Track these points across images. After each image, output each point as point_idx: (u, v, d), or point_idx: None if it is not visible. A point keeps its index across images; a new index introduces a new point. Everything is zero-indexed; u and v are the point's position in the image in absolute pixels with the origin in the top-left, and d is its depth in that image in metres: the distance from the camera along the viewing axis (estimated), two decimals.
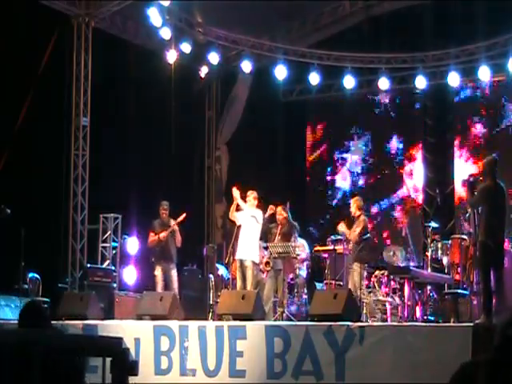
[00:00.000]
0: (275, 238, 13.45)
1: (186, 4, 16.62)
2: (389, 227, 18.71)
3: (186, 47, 16.69)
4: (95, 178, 15.61)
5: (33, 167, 14.64)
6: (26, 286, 14.27)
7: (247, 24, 17.22)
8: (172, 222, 14.30)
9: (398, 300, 12.68)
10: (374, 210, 18.93)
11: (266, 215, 13.54)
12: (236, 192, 13.59)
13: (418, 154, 18.93)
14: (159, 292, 13.51)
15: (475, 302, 11.98)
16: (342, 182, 19.64)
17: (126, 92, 16.02)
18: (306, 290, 14.46)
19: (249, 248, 13.29)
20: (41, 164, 14.71)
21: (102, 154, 15.65)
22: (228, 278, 14.63)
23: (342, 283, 13.79)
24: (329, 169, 19.85)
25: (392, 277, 12.88)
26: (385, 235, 18.59)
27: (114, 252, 15.81)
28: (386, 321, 12.40)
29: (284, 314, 12.71)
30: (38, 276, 14.64)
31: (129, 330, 11.29)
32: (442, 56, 17.41)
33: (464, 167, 18.14)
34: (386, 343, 9.75)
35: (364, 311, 12.22)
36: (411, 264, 13.75)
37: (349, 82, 17.54)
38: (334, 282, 13.78)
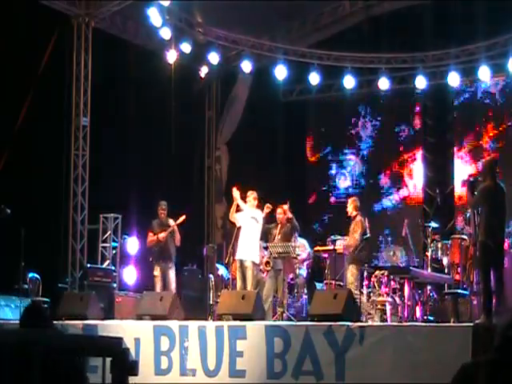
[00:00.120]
0: (275, 238, 13.46)
1: (186, 4, 16.62)
2: (389, 227, 18.71)
3: (186, 47, 16.69)
4: (95, 178, 15.61)
5: (33, 167, 14.63)
6: (26, 286, 14.26)
7: (247, 24, 17.22)
8: (171, 222, 14.29)
9: (398, 300, 12.67)
10: (374, 209, 18.94)
11: (263, 214, 13.54)
12: (236, 192, 13.59)
13: (418, 153, 18.93)
14: (159, 292, 13.51)
15: (475, 302, 11.98)
16: (342, 181, 19.63)
17: (126, 92, 16.02)
18: (305, 290, 14.47)
19: (249, 248, 13.29)
20: (41, 164, 14.71)
21: (102, 154, 15.64)
22: (228, 278, 14.63)
23: (342, 283, 13.79)
24: (329, 169, 19.84)
25: (392, 277, 12.88)
26: (384, 235, 18.59)
27: (114, 252, 15.81)
28: (386, 321, 12.40)
29: (284, 314, 12.72)
30: (37, 276, 14.63)
31: (129, 330, 11.29)
32: (441, 56, 17.41)
33: (464, 167, 18.14)
34: (386, 343, 9.75)
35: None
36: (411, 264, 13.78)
37: (349, 81, 17.55)
38: (333, 281, 13.78)
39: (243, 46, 17.56)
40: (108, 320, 12.36)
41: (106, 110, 15.75)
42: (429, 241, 13.68)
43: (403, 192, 18.99)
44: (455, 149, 18.51)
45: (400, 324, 11.38)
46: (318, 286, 14.31)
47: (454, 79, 17.28)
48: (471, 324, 9.77)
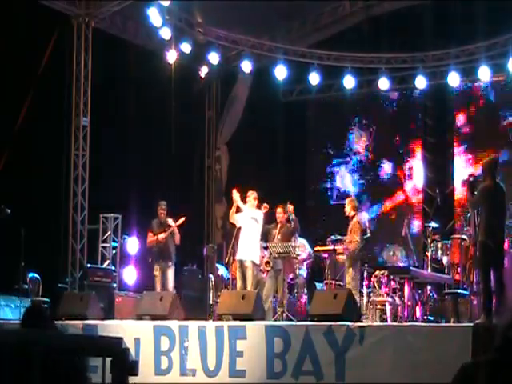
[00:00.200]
0: (275, 238, 13.46)
1: (186, 4, 16.62)
2: (389, 227, 18.71)
3: (186, 47, 16.69)
4: (95, 178, 15.61)
5: (33, 167, 14.64)
6: (26, 286, 14.27)
7: (247, 24, 17.22)
8: (170, 222, 14.29)
9: (398, 300, 12.67)
10: (374, 210, 18.94)
11: (263, 214, 13.54)
12: (236, 195, 13.58)
13: (418, 154, 18.93)
14: (159, 292, 13.51)
15: (475, 302, 11.98)
16: (342, 181, 19.63)
17: (126, 92, 16.02)
18: (306, 290, 14.47)
19: (249, 248, 13.29)
20: (41, 164, 14.71)
21: (102, 154, 15.65)
22: (228, 278, 14.63)
23: (342, 283, 13.79)
24: (329, 169, 19.84)
25: (392, 277, 12.88)
26: (385, 235, 18.59)
27: (113, 252, 15.81)
28: (386, 321, 12.40)
29: (284, 314, 12.72)
30: (37, 276, 14.64)
31: (129, 330, 11.29)
32: (441, 56, 17.41)
33: (464, 167, 18.14)
34: (386, 343, 9.75)
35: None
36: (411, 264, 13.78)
37: (349, 81, 17.55)
38: (333, 281, 13.78)
39: (243, 46, 17.56)
40: (108, 320, 12.36)
41: (106, 110, 15.75)
42: (429, 241, 13.69)
43: (403, 192, 18.99)
44: (455, 149, 18.50)
45: (400, 324, 11.38)
46: (318, 286, 14.31)
47: (454, 79, 17.28)
48: (471, 324, 9.77)
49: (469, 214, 12.23)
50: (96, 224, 15.78)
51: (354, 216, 13.31)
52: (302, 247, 14.29)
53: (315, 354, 10.07)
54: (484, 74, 16.73)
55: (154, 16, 15.58)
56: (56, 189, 15.21)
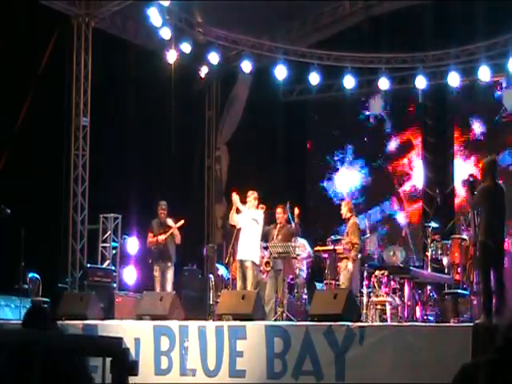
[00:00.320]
0: (275, 238, 13.47)
1: (186, 4, 16.62)
2: (389, 227, 18.72)
3: (186, 47, 16.69)
4: (95, 178, 15.61)
5: (33, 167, 14.64)
6: (26, 286, 14.27)
7: (247, 24, 17.22)
8: (170, 222, 14.28)
9: (398, 300, 12.68)
10: (374, 210, 18.95)
11: (263, 215, 13.55)
12: (236, 197, 13.59)
13: (418, 154, 18.92)
14: (159, 292, 13.52)
15: (475, 302, 11.98)
16: (342, 182, 19.63)
17: (126, 92, 16.02)
18: (305, 290, 14.47)
19: (249, 249, 13.28)
20: (41, 164, 14.71)
21: (102, 154, 15.65)
22: (228, 278, 14.63)
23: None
24: (329, 169, 19.84)
25: (392, 277, 12.88)
26: (384, 235, 18.61)
27: (113, 252, 15.81)
28: (386, 321, 12.41)
29: (284, 314, 12.72)
30: (38, 276, 14.64)
31: (129, 330, 11.29)
32: (441, 56, 17.41)
33: (464, 167, 18.13)
34: (386, 343, 9.75)
35: None
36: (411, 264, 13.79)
37: (349, 81, 17.55)
38: (333, 281, 13.77)
39: (243, 46, 17.56)
40: (108, 320, 12.36)
41: (106, 110, 15.75)
42: (429, 241, 13.69)
43: (403, 192, 18.99)
44: (455, 149, 18.50)
45: (400, 324, 11.38)
46: (318, 286, 14.31)
47: (454, 79, 17.27)
48: (471, 324, 9.77)
49: (469, 215, 12.22)
50: (96, 224, 15.79)
51: (350, 218, 13.46)
52: (301, 247, 14.30)
53: (315, 353, 10.07)
54: (484, 73, 16.73)
55: (153, 16, 15.58)
56: (56, 189, 15.21)
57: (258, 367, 10.43)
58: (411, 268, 12.95)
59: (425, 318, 12.67)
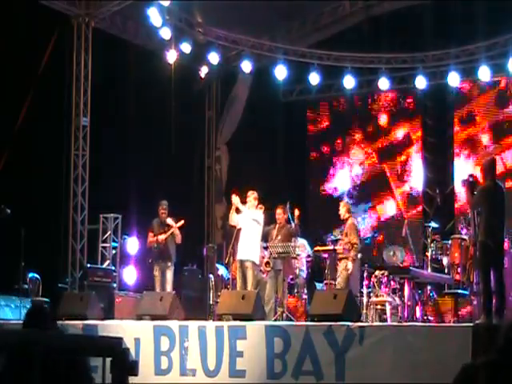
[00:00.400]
0: (275, 239, 13.48)
1: (186, 4, 16.62)
2: (389, 227, 18.73)
3: (186, 47, 16.69)
4: (95, 178, 15.61)
5: (33, 167, 14.64)
6: (26, 286, 14.27)
7: (247, 24, 17.22)
8: (170, 222, 14.28)
9: (398, 300, 12.68)
10: (374, 210, 18.96)
11: (263, 215, 13.55)
12: (235, 199, 13.59)
13: (418, 154, 18.92)
14: (159, 292, 13.51)
15: (475, 302, 11.98)
16: (342, 182, 19.63)
17: (125, 92, 16.02)
18: (306, 290, 14.47)
19: (249, 249, 13.27)
20: (41, 164, 14.71)
21: (102, 154, 15.64)
22: (228, 278, 14.63)
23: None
24: (329, 169, 19.83)
25: (392, 277, 12.89)
26: (384, 235, 18.62)
27: (113, 252, 15.82)
28: (386, 321, 12.41)
29: (284, 314, 12.72)
30: (38, 276, 14.64)
31: (129, 330, 11.29)
32: (441, 56, 17.41)
33: (464, 167, 18.13)
34: (386, 343, 9.75)
35: None
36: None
37: (349, 81, 17.55)
38: (333, 282, 13.78)
39: (243, 46, 17.56)
40: (108, 320, 12.36)
41: (106, 110, 15.75)
42: (429, 241, 13.69)
43: (403, 191, 18.99)
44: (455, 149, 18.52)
45: (400, 324, 11.38)
46: (318, 286, 14.32)
47: (454, 79, 17.28)
48: (471, 324, 9.77)
49: (469, 216, 12.22)
50: (96, 224, 15.79)
51: (348, 218, 13.58)
52: (301, 247, 14.31)
53: (315, 353, 10.07)
54: (484, 73, 16.73)
55: (153, 16, 15.58)
56: (56, 189, 15.21)
57: (257, 367, 10.43)
58: (411, 268, 12.96)
59: (425, 318, 12.68)
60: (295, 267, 14.33)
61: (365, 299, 12.92)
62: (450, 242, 13.34)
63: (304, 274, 14.78)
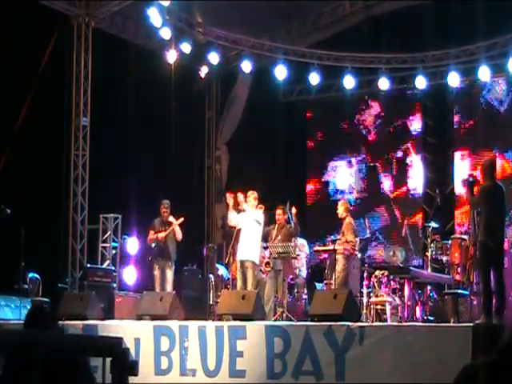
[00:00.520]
0: (275, 239, 13.49)
1: (186, 4, 16.62)
2: (388, 227, 18.73)
3: (186, 47, 16.69)
4: (95, 178, 15.62)
5: (33, 167, 14.64)
6: (26, 286, 14.28)
7: (247, 24, 17.22)
8: (171, 218, 14.29)
9: (398, 300, 12.68)
10: (374, 210, 18.96)
11: (263, 215, 13.56)
12: (230, 199, 13.59)
13: (418, 154, 18.91)
14: (159, 292, 13.51)
15: (475, 302, 11.98)
16: (342, 182, 19.63)
17: (125, 92, 16.02)
18: (306, 290, 14.47)
19: (249, 249, 13.29)
20: (41, 164, 14.72)
21: (102, 154, 15.65)
22: (228, 278, 14.63)
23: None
24: (329, 169, 19.84)
25: (392, 277, 12.89)
26: (384, 235, 18.62)
27: (113, 252, 15.82)
28: (386, 321, 12.41)
29: (284, 314, 12.73)
30: (38, 276, 14.65)
31: (129, 330, 11.29)
32: (442, 56, 17.41)
33: (464, 167, 18.13)
34: (386, 343, 9.75)
35: None
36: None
37: (349, 81, 17.55)
38: (334, 282, 13.78)
39: (243, 46, 17.56)
40: (108, 320, 12.36)
41: (106, 110, 15.75)
42: (429, 241, 13.68)
43: (403, 192, 19.00)
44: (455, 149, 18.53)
45: (400, 324, 11.37)
46: (318, 286, 14.32)
47: (454, 79, 17.28)
48: (471, 324, 9.77)
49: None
50: (96, 224, 15.79)
51: (345, 217, 13.62)
52: (301, 247, 14.32)
53: (315, 353, 10.07)
54: (484, 73, 16.73)
55: (154, 16, 15.58)
56: (56, 189, 15.21)
57: (258, 367, 10.43)
58: (411, 268, 12.95)
59: (425, 318, 12.68)
60: (295, 267, 14.34)
61: (365, 299, 12.93)
62: (450, 241, 13.33)
63: (304, 274, 14.79)
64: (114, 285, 15.25)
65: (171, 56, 16.56)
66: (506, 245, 11.34)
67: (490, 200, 10.20)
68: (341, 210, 13.70)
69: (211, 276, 15.30)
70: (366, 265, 13.61)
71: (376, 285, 13.03)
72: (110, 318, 13.01)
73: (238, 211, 13.58)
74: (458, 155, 18.41)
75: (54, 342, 4.78)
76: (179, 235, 14.29)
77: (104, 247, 15.81)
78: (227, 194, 13.86)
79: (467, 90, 18.37)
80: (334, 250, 13.62)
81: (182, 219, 14.28)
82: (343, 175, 19.63)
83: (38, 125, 14.69)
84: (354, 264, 13.71)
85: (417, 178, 18.83)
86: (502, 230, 10.29)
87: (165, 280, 14.05)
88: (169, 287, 13.97)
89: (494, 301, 9.94)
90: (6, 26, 14.27)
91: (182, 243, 14.57)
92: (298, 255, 13.79)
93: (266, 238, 13.68)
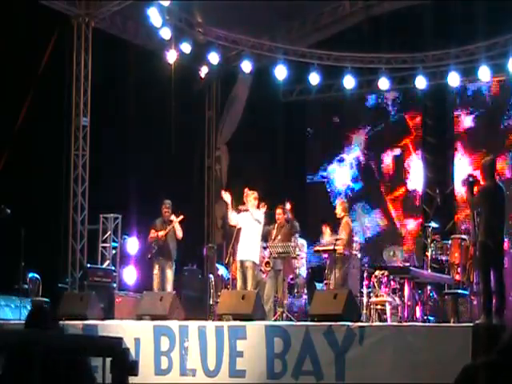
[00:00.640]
0: (275, 238, 13.49)
1: (186, 4, 16.62)
2: (388, 227, 18.74)
3: (186, 47, 16.69)
4: (95, 178, 15.62)
5: (33, 167, 14.64)
6: (26, 286, 14.28)
7: (247, 24, 17.22)
8: (173, 217, 14.30)
9: (398, 300, 12.68)
10: (374, 210, 18.97)
11: (264, 215, 13.55)
12: (227, 196, 13.58)
13: (418, 154, 18.92)
14: (159, 292, 13.51)
15: (475, 302, 11.98)
16: (342, 182, 19.63)
17: (125, 92, 16.02)
18: (306, 290, 14.47)
19: (249, 249, 13.28)
20: (41, 164, 14.72)
21: (102, 154, 15.65)
22: (228, 278, 14.63)
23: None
24: (329, 169, 19.83)
25: (392, 277, 12.89)
26: (384, 235, 18.63)
27: (113, 252, 15.82)
28: (386, 321, 12.41)
29: (284, 314, 12.72)
30: (38, 276, 14.65)
31: (129, 330, 11.29)
32: (441, 56, 17.40)
33: (464, 167, 18.13)
34: (386, 343, 9.75)
35: None
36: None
37: (349, 81, 17.55)
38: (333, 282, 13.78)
39: (243, 46, 17.56)
40: (108, 320, 12.36)
41: (106, 110, 15.76)
42: (429, 241, 13.68)
43: (403, 191, 19.00)
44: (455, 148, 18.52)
45: (400, 324, 11.38)
46: (318, 286, 14.32)
47: (454, 79, 17.27)
48: (471, 324, 9.77)
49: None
50: (96, 224, 15.79)
51: (343, 217, 13.67)
52: (301, 247, 14.32)
53: (315, 354, 10.07)
54: (484, 74, 16.73)
55: (154, 16, 15.58)
56: (56, 189, 15.21)
57: (257, 367, 10.43)
58: (411, 268, 12.95)
59: (425, 318, 12.68)
60: (295, 267, 14.34)
61: (365, 299, 12.93)
62: (450, 241, 13.34)
63: (304, 274, 14.79)
64: (114, 285, 15.25)
65: (171, 56, 16.56)
66: (505, 245, 11.35)
67: (490, 200, 10.20)
68: (339, 210, 13.72)
69: (211, 276, 15.30)
70: (365, 265, 13.61)
71: (376, 285, 13.04)
72: (110, 317, 13.01)
73: (238, 211, 13.57)
74: (458, 155, 18.42)
75: (54, 342, 4.78)
76: (179, 233, 14.30)
77: (104, 247, 15.81)
78: (222, 192, 13.82)
79: (467, 90, 18.38)
80: (334, 250, 13.63)
81: (182, 217, 14.29)
82: (343, 175, 19.63)
83: (37, 125, 14.70)
84: (354, 264, 13.73)
85: (416, 178, 18.82)
86: (501, 230, 10.29)
87: (165, 280, 14.05)
88: (169, 287, 13.97)
89: (494, 301, 9.94)
90: (6, 25, 14.27)
91: (182, 243, 14.56)
92: (298, 255, 13.78)
93: (266, 237, 13.68)
